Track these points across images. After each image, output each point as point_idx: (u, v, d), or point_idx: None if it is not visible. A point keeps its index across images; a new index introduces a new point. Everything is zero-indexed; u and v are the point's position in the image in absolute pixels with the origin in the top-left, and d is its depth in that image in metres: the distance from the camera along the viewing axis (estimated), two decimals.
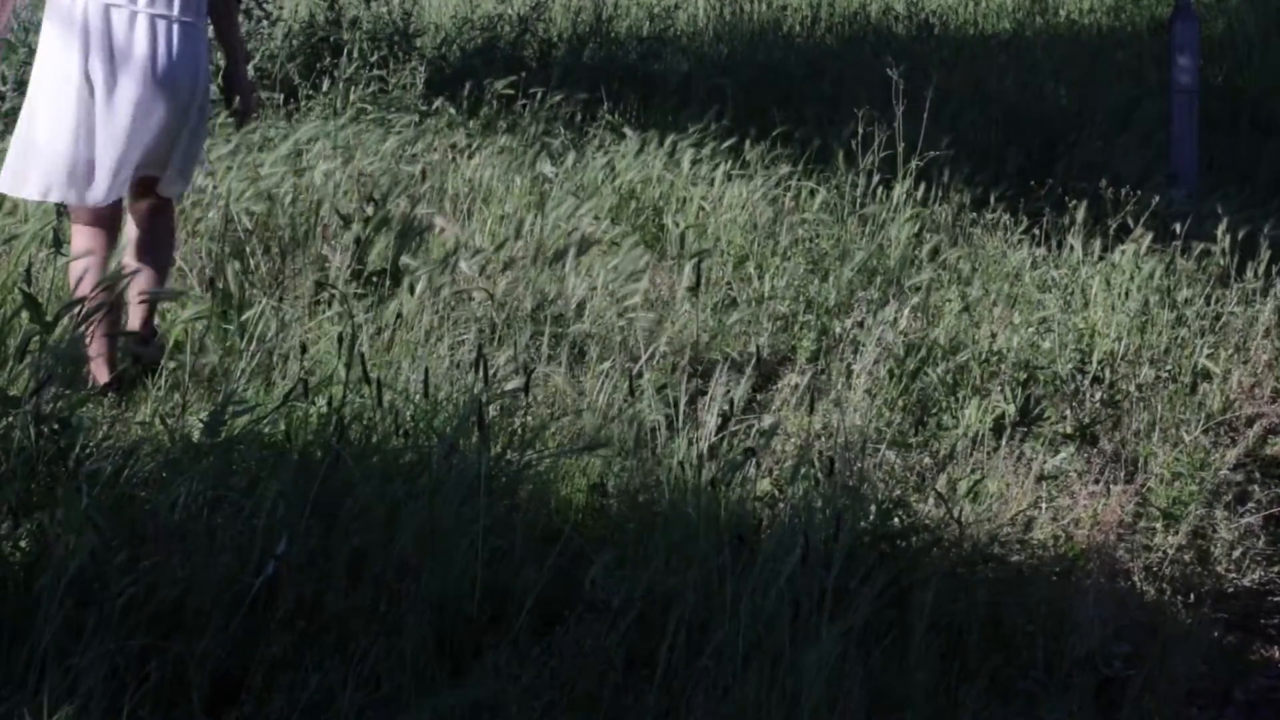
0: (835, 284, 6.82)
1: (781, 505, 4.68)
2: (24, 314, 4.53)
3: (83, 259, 5.04)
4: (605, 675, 3.74)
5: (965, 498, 5.07)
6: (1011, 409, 5.87)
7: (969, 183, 8.45)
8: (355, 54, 9.16)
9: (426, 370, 4.85)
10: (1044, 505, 5.29)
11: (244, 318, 5.38)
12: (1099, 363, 6.43)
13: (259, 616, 3.63)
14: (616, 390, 5.35)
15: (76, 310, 4.52)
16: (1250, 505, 5.69)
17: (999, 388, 6.02)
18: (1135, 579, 5.11)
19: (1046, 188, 8.27)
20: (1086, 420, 6.02)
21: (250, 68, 5.52)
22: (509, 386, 5.13)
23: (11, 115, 6.88)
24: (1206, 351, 6.67)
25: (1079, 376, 6.31)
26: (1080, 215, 7.58)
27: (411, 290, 5.87)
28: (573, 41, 11.21)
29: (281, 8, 10.13)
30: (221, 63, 5.51)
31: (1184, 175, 9.94)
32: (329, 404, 4.52)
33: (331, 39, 9.53)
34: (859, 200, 7.97)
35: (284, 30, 9.47)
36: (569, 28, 11.78)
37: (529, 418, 4.93)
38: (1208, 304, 7.18)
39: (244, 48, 5.55)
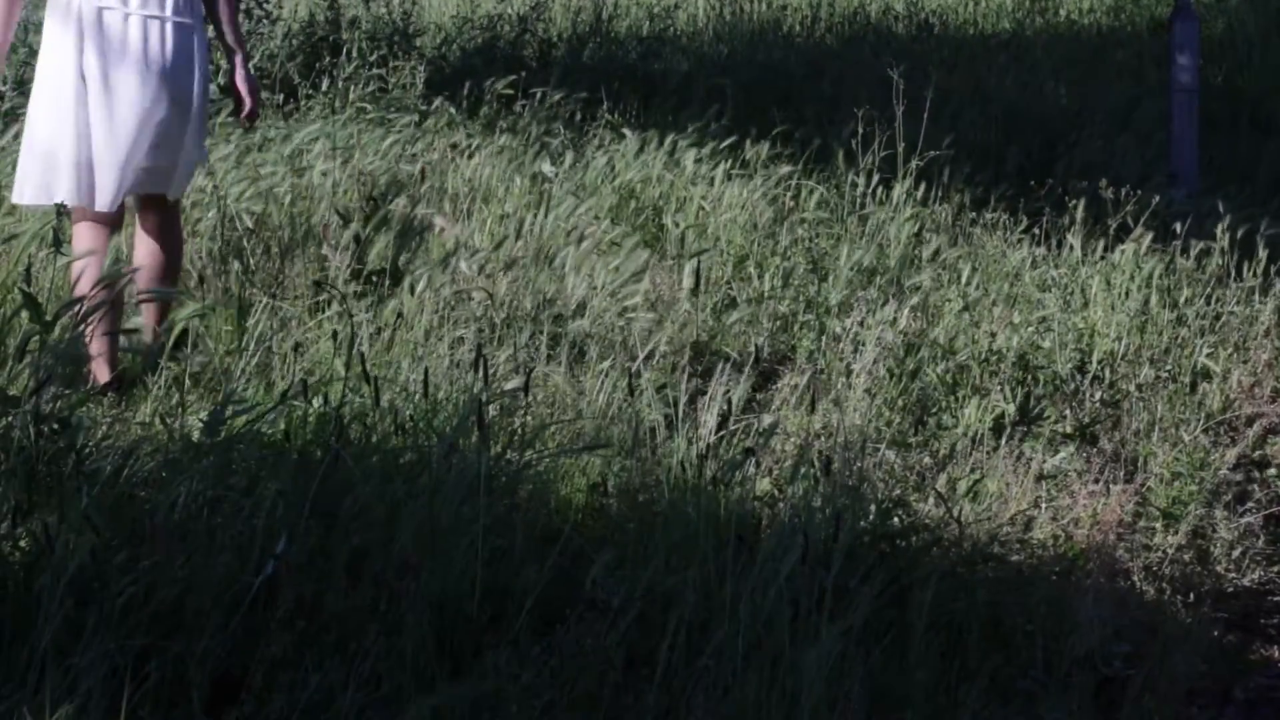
0: (835, 284, 6.82)
1: (781, 505, 4.68)
2: (24, 314, 4.53)
3: (85, 256, 5.05)
4: (605, 675, 3.74)
5: (965, 497, 5.07)
6: (1011, 409, 5.87)
7: (969, 182, 8.44)
8: (355, 54, 9.16)
9: (426, 370, 4.85)
10: (1044, 505, 5.29)
11: (244, 318, 5.38)
12: (1099, 362, 6.43)
13: (259, 616, 3.63)
14: (616, 390, 5.36)
15: (76, 309, 4.52)
16: (1250, 505, 5.69)
17: (999, 387, 6.02)
18: (1135, 579, 5.11)
19: (1046, 187, 8.26)
20: (1086, 420, 6.02)
21: (250, 67, 5.51)
22: (509, 386, 5.13)
23: (10, 115, 6.89)
24: (1206, 351, 6.67)
25: (1079, 376, 6.31)
26: (1080, 215, 7.57)
27: (411, 290, 5.88)
28: (573, 41, 11.20)
29: (281, 7, 10.13)
30: (224, 63, 5.52)
31: (1184, 175, 9.93)
32: (328, 403, 4.52)
33: (331, 39, 9.53)
34: (859, 200, 7.97)
35: (284, 30, 9.48)
36: (569, 28, 11.78)
37: (529, 417, 4.93)
38: (1208, 304, 7.18)
39: (245, 48, 5.55)
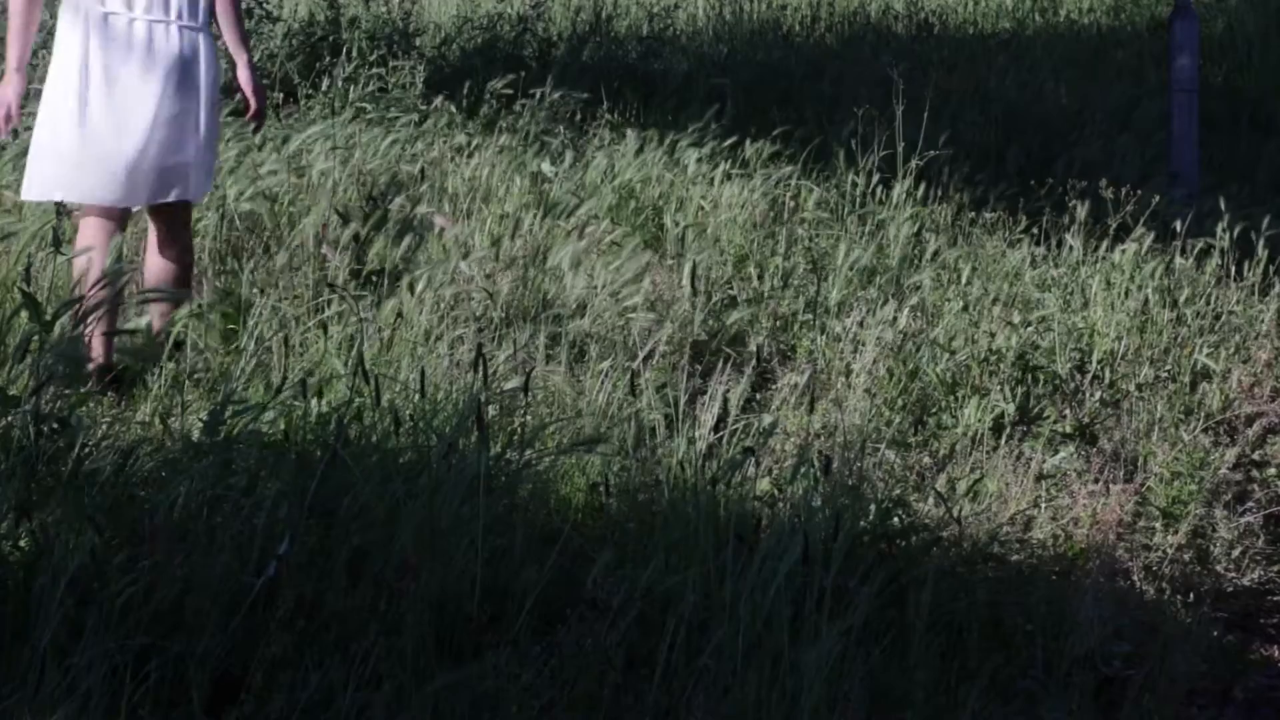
0: (835, 284, 6.82)
1: (781, 504, 4.68)
2: (23, 313, 4.53)
3: (86, 254, 5.07)
4: (605, 675, 3.74)
5: (965, 497, 5.07)
6: (1011, 408, 5.87)
7: (969, 182, 8.44)
8: (355, 53, 9.17)
9: (423, 370, 4.85)
10: (1043, 505, 5.29)
11: (244, 318, 5.38)
12: (1098, 362, 6.43)
13: (259, 616, 3.63)
14: (616, 389, 5.36)
15: (76, 308, 4.53)
16: (1250, 505, 5.69)
17: (998, 387, 6.02)
18: (1135, 578, 5.12)
19: (1046, 187, 8.26)
20: (1086, 420, 6.02)
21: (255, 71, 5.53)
22: (508, 386, 5.13)
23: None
24: (1206, 351, 6.67)
25: (1078, 376, 6.31)
26: (1080, 215, 7.57)
27: (411, 290, 5.88)
28: (572, 41, 11.20)
29: (281, 7, 10.14)
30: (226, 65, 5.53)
31: (1184, 175, 9.93)
32: (328, 403, 4.52)
33: (331, 38, 9.53)
34: (859, 200, 7.97)
35: (284, 29, 9.48)
36: (569, 27, 11.78)
37: (528, 417, 4.93)
38: (1207, 303, 7.18)
39: (250, 52, 5.57)
